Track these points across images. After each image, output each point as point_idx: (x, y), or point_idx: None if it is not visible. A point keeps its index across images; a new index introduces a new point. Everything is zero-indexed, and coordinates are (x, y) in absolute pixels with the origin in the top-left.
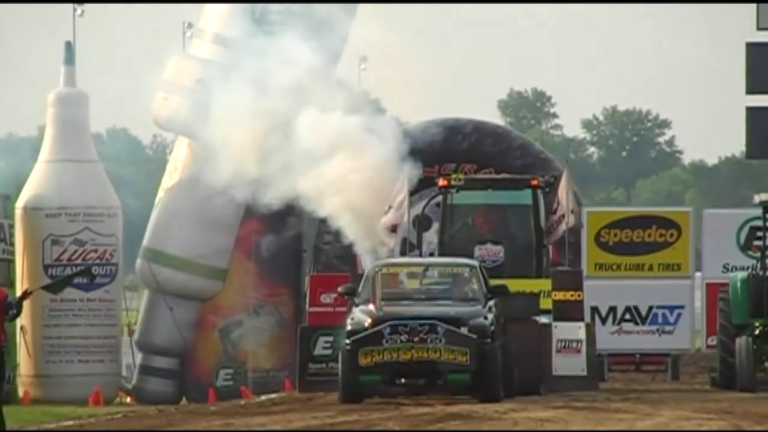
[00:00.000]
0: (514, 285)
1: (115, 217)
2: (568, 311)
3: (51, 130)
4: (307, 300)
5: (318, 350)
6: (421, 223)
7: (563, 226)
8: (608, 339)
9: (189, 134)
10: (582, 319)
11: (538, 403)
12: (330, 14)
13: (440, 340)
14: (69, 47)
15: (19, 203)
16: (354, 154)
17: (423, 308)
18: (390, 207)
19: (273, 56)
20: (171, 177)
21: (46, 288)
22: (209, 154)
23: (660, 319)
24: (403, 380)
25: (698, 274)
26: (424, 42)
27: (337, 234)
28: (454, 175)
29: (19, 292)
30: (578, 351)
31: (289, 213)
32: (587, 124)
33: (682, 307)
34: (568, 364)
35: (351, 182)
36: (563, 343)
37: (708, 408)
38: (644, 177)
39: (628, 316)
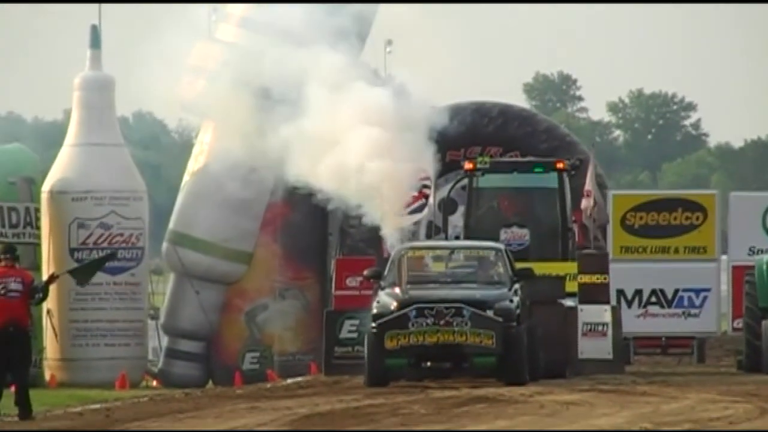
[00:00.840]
0: (540, 268)
1: (141, 201)
2: (593, 294)
3: (77, 113)
4: (333, 283)
5: (344, 334)
6: (447, 207)
7: (590, 211)
8: (634, 322)
9: (213, 117)
10: (608, 302)
11: (564, 386)
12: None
13: (466, 324)
14: (95, 30)
15: (45, 187)
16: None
17: (449, 291)
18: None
19: (290, 35)
20: (197, 160)
21: (72, 273)
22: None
23: (686, 302)
24: (428, 363)
25: (724, 257)
26: (450, 25)
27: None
28: (479, 159)
29: (45, 277)
30: (604, 334)
31: (314, 196)
32: (613, 107)
33: (708, 290)
34: (593, 347)
35: (376, 170)
36: (589, 326)
37: (734, 391)
38: (670, 160)
39: (654, 299)
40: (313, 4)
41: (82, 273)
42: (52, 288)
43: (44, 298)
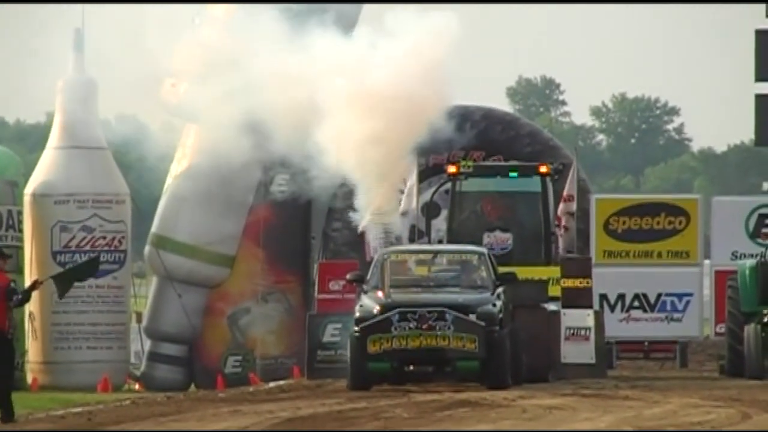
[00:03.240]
0: (523, 272)
1: (123, 204)
2: (576, 298)
3: (59, 116)
4: (316, 287)
5: (326, 337)
6: (430, 210)
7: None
8: (617, 326)
9: (197, 120)
10: (590, 307)
11: (547, 390)
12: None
13: (449, 328)
14: (78, 34)
15: (28, 190)
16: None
17: (431, 295)
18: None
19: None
20: (179, 163)
21: (55, 279)
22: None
23: (669, 307)
24: (411, 367)
25: (707, 261)
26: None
27: (345, 221)
28: (463, 163)
29: (28, 279)
30: (587, 338)
31: (297, 199)
32: (596, 112)
33: (690, 294)
34: (576, 352)
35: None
36: (572, 331)
37: (716, 395)
38: (653, 164)
39: (636, 304)
40: (299, 3)
41: (64, 280)
42: (35, 291)
43: (24, 301)
